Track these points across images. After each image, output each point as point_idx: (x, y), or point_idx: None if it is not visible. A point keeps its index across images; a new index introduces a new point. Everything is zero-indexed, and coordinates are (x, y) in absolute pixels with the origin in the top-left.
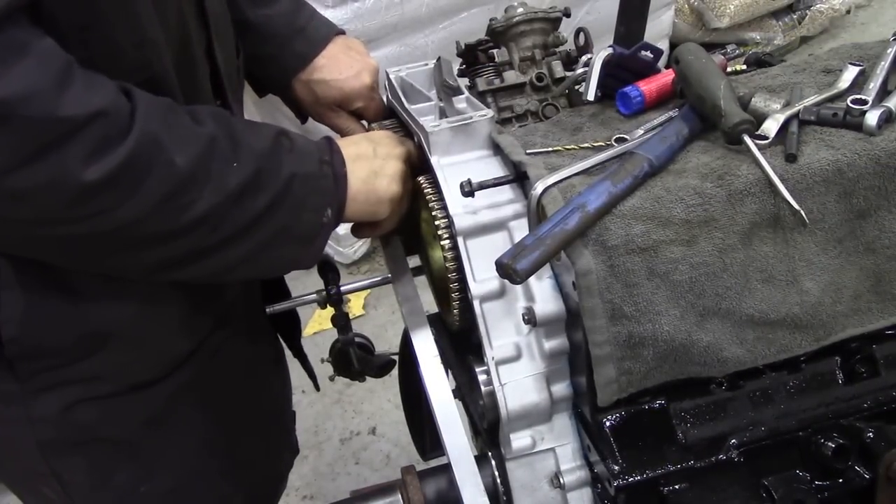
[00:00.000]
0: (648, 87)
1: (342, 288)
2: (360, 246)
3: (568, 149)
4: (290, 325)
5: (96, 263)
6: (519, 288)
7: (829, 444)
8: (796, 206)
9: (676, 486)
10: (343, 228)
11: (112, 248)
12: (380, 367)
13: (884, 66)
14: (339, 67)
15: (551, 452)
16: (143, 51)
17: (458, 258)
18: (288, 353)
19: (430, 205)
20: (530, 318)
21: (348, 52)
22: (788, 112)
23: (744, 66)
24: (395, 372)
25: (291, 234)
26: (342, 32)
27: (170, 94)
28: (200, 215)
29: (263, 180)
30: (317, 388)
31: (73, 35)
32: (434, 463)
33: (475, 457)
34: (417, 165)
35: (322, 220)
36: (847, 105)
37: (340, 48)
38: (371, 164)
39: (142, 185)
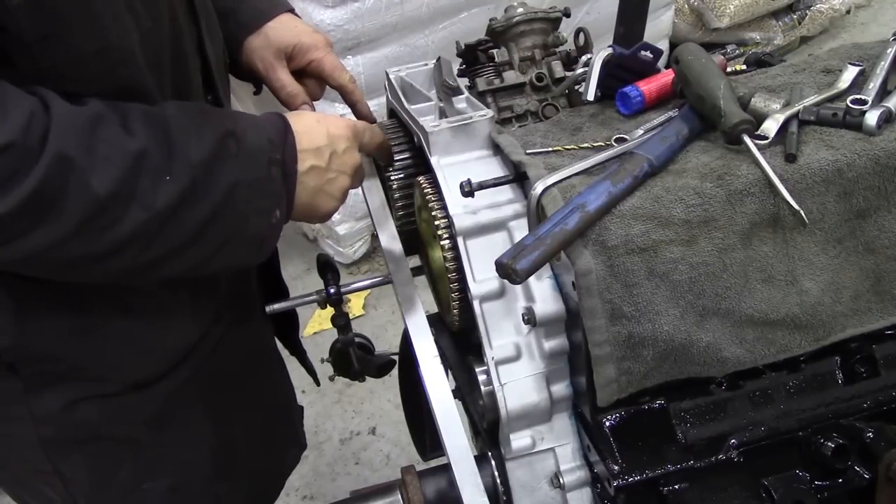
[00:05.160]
0: (648, 87)
1: (342, 288)
2: (360, 246)
3: (568, 149)
4: (288, 323)
5: (49, 276)
6: (519, 288)
7: (829, 444)
8: (796, 206)
9: (676, 486)
10: (343, 229)
11: (45, 269)
12: (380, 367)
13: (884, 66)
14: (295, 22)
15: (551, 452)
16: (107, 57)
17: (457, 258)
18: (282, 351)
19: (430, 205)
20: (530, 318)
21: (303, 22)
22: (788, 112)
23: (744, 66)
24: (395, 372)
25: (238, 241)
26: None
27: (141, 98)
28: (127, 235)
29: (200, 192)
30: (317, 383)
31: (37, 44)
32: (434, 463)
33: (475, 457)
34: (383, 158)
35: (271, 221)
36: (847, 105)
37: (295, 18)
38: (321, 178)
39: (55, 210)
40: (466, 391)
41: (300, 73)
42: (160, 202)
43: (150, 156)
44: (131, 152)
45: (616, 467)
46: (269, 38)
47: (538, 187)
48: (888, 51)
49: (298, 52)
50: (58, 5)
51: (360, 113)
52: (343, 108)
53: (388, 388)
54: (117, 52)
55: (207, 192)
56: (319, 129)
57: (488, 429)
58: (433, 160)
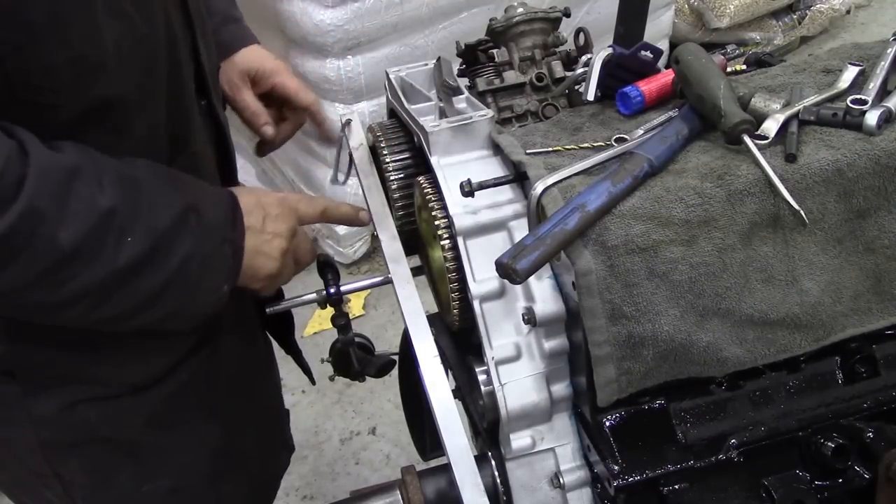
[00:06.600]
0: (648, 87)
1: (342, 288)
2: (360, 246)
3: (568, 149)
4: (284, 324)
5: (2, 314)
6: (519, 288)
7: (829, 444)
8: (796, 206)
9: (676, 486)
10: (343, 229)
11: (5, 311)
12: (380, 368)
13: (884, 66)
14: (260, 50)
15: (551, 452)
16: (78, 67)
17: (458, 258)
18: (280, 352)
19: (430, 205)
20: (530, 318)
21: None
22: (788, 112)
23: (744, 66)
24: (395, 372)
25: (184, 314)
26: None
27: (115, 110)
28: (83, 289)
29: (159, 259)
30: (312, 382)
31: (10, 55)
32: (434, 463)
33: (475, 457)
34: (314, 222)
35: (218, 296)
36: (847, 105)
37: (261, 48)
38: (257, 238)
39: (18, 259)
40: (466, 391)
41: (266, 98)
42: (120, 262)
43: (117, 215)
44: (101, 209)
45: (616, 467)
46: (233, 62)
47: (538, 187)
48: (888, 51)
49: (261, 76)
50: (29, 16)
51: (326, 133)
52: (343, 108)
53: (388, 388)
54: (88, 62)
55: (165, 260)
56: (250, 198)
57: (488, 429)
58: (433, 160)
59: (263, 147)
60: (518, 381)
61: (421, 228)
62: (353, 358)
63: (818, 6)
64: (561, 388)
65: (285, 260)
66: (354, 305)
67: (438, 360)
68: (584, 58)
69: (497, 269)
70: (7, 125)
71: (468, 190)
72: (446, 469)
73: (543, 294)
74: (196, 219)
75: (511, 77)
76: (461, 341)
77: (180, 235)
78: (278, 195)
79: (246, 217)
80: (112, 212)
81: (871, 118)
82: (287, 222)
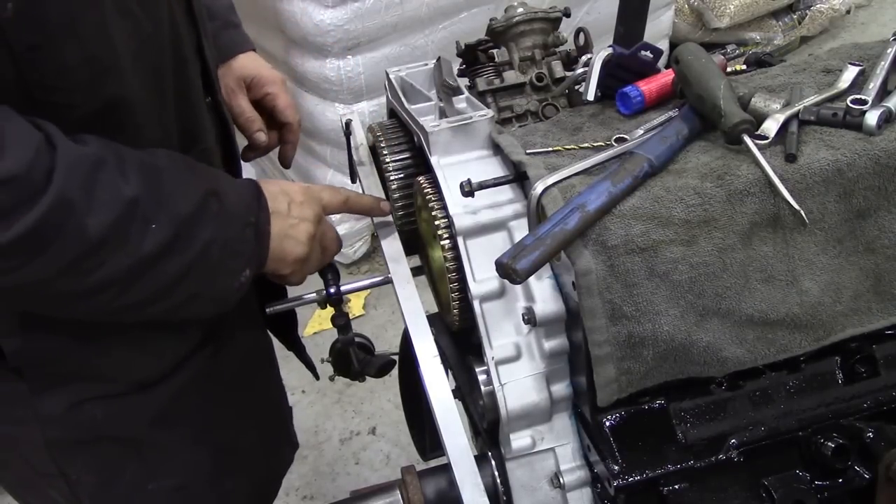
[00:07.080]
0: (648, 87)
1: (342, 288)
2: (360, 246)
3: (568, 149)
4: (286, 321)
5: (26, 307)
6: (519, 288)
7: (829, 444)
8: (796, 206)
9: (676, 486)
10: (343, 229)
11: (24, 303)
12: (380, 368)
13: (884, 66)
14: (258, 58)
15: (551, 452)
16: (91, 67)
17: (458, 258)
18: (281, 352)
19: (430, 205)
20: (530, 318)
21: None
22: (788, 112)
23: (744, 66)
24: (395, 372)
25: (205, 297)
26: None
27: (127, 111)
28: (109, 278)
29: (180, 245)
30: (316, 377)
31: (25, 55)
32: (434, 463)
33: (475, 457)
34: (337, 212)
35: (240, 280)
36: (847, 105)
37: (258, 56)
38: (284, 223)
39: (49, 249)
40: (466, 391)
41: (255, 106)
42: (144, 249)
43: (141, 203)
44: (125, 198)
45: (616, 467)
46: (231, 67)
47: (538, 187)
48: (888, 51)
49: (256, 84)
50: (45, 17)
51: (285, 154)
52: (343, 108)
53: (388, 388)
54: (102, 62)
55: (188, 245)
56: (274, 186)
57: (488, 429)
58: (433, 160)
59: (250, 153)
60: (518, 381)
61: (421, 228)
62: (353, 358)
63: (818, 6)
64: (561, 388)
65: (313, 244)
66: (354, 305)
67: (438, 360)
68: (584, 58)
69: (497, 269)
70: (33, 119)
71: (468, 190)
72: (446, 469)
73: (543, 294)
74: (217, 204)
75: (511, 77)
76: (461, 341)
77: (202, 221)
78: (301, 184)
79: (271, 202)
80: (136, 200)
81: (871, 118)
82: (313, 208)
